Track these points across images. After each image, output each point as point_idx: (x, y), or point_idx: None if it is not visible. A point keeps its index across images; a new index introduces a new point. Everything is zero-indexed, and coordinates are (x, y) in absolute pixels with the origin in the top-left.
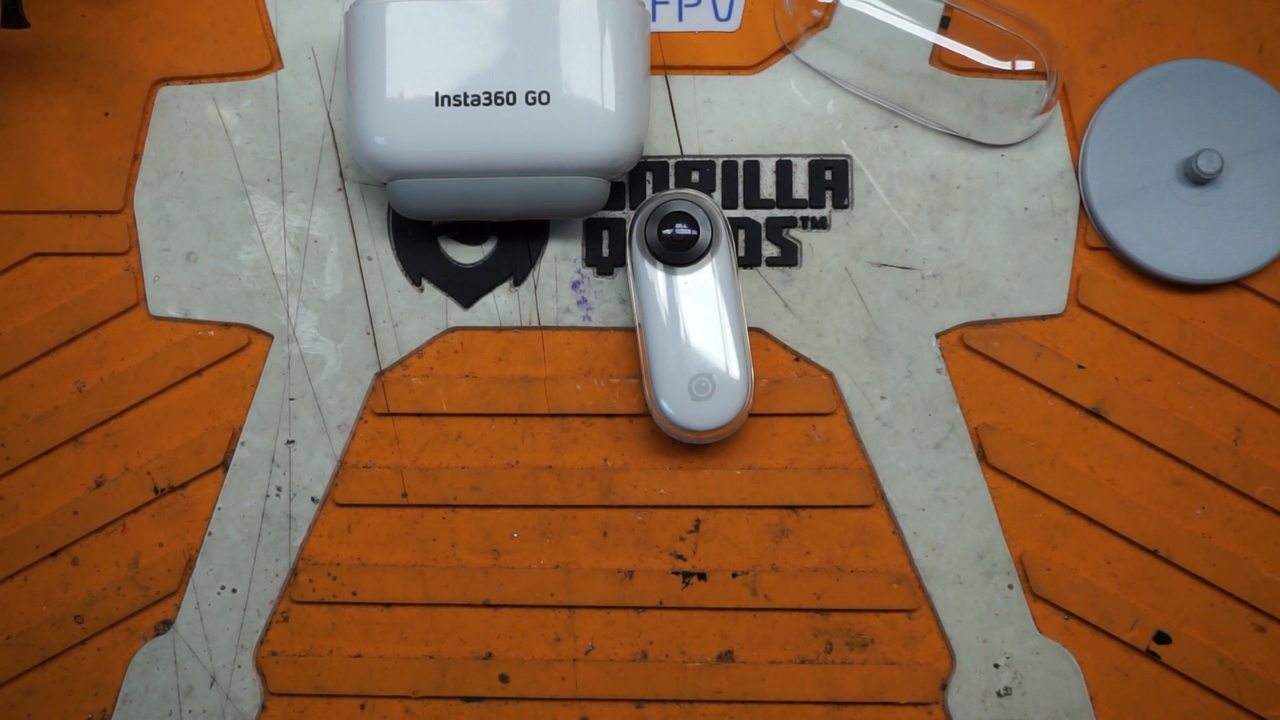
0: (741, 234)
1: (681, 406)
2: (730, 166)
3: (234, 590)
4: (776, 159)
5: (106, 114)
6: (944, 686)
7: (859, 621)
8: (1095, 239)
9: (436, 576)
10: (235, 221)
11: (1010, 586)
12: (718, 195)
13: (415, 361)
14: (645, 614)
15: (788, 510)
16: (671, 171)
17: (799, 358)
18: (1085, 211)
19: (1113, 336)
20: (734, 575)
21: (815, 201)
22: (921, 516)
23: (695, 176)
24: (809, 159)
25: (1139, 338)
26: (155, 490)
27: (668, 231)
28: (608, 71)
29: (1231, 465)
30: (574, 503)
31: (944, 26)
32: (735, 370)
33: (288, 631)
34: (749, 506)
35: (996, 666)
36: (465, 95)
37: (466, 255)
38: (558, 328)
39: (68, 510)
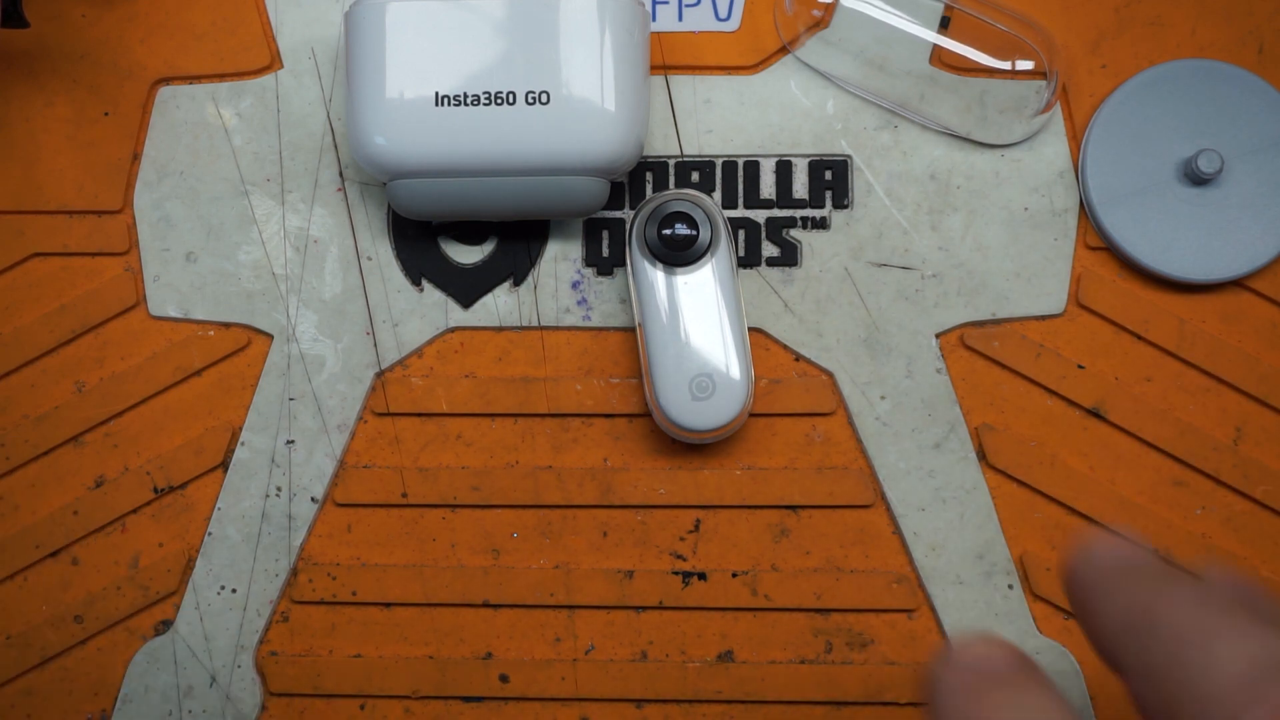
0: (741, 234)
1: (681, 406)
2: (730, 166)
3: (234, 590)
4: (776, 159)
5: (106, 114)
6: None
7: (859, 621)
8: (1095, 239)
9: (436, 576)
10: (235, 221)
11: (1010, 586)
12: (718, 195)
13: (415, 361)
14: (645, 614)
15: (788, 510)
16: (671, 171)
17: (799, 358)
18: (1085, 211)
19: (1113, 336)
20: (734, 575)
21: (815, 201)
22: (921, 516)
23: (695, 176)
24: (809, 159)
25: (1139, 338)
26: (155, 490)
27: (667, 231)
28: (608, 71)
29: (1231, 465)
30: (574, 503)
31: (944, 26)
32: (735, 370)
33: (288, 631)
34: (749, 506)
35: None
36: (465, 95)
37: (466, 255)
38: (558, 328)
39: (68, 510)
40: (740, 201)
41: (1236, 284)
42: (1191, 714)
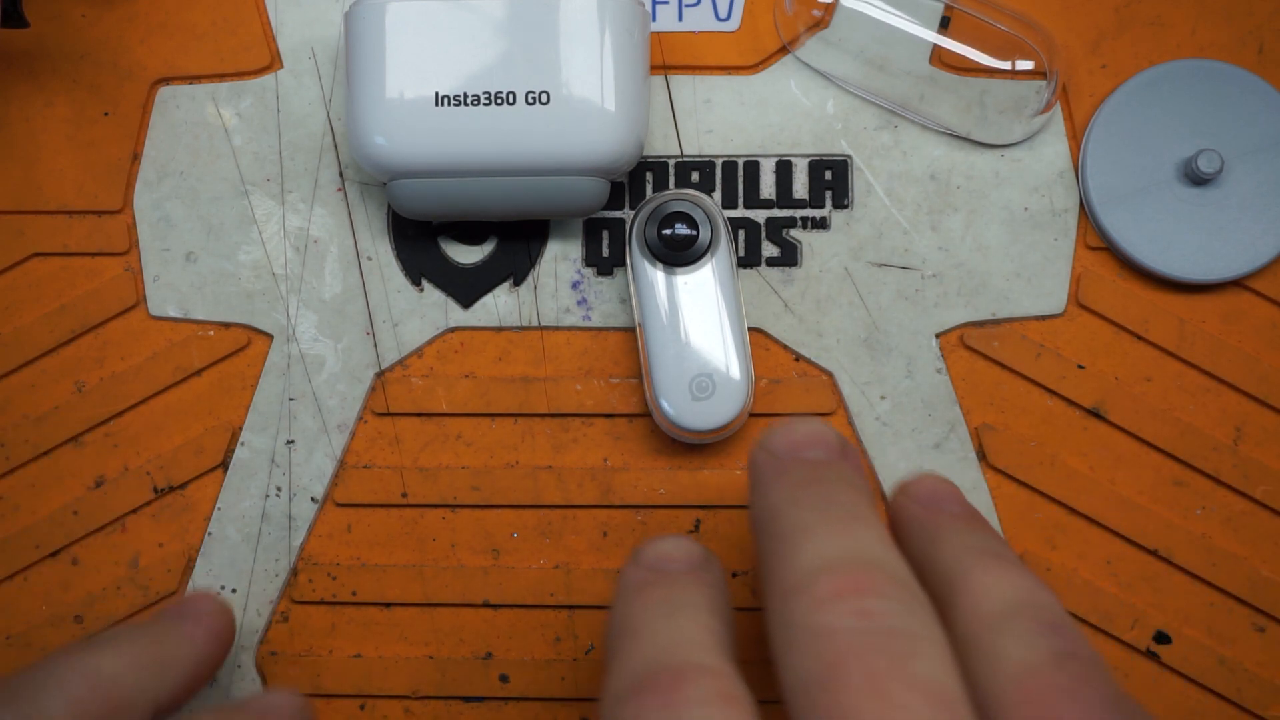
0: (741, 234)
1: (682, 407)
2: (730, 166)
3: (234, 590)
4: (776, 159)
5: (106, 114)
6: None
7: None
8: (1095, 239)
9: (436, 576)
10: (235, 221)
11: None
12: (718, 195)
13: (415, 361)
14: None
15: None
16: (671, 171)
17: (799, 358)
18: (1085, 211)
19: (1113, 336)
20: (734, 575)
21: (815, 201)
22: None
23: (695, 176)
24: (809, 159)
25: (1139, 338)
26: (155, 490)
27: (667, 232)
28: (608, 71)
29: (1231, 465)
30: (574, 503)
31: (944, 26)
32: (735, 370)
33: (288, 631)
34: (749, 507)
35: None
36: (465, 95)
37: (466, 255)
38: (558, 328)
39: (67, 510)
40: (740, 201)
41: (1236, 284)
42: (769, 596)
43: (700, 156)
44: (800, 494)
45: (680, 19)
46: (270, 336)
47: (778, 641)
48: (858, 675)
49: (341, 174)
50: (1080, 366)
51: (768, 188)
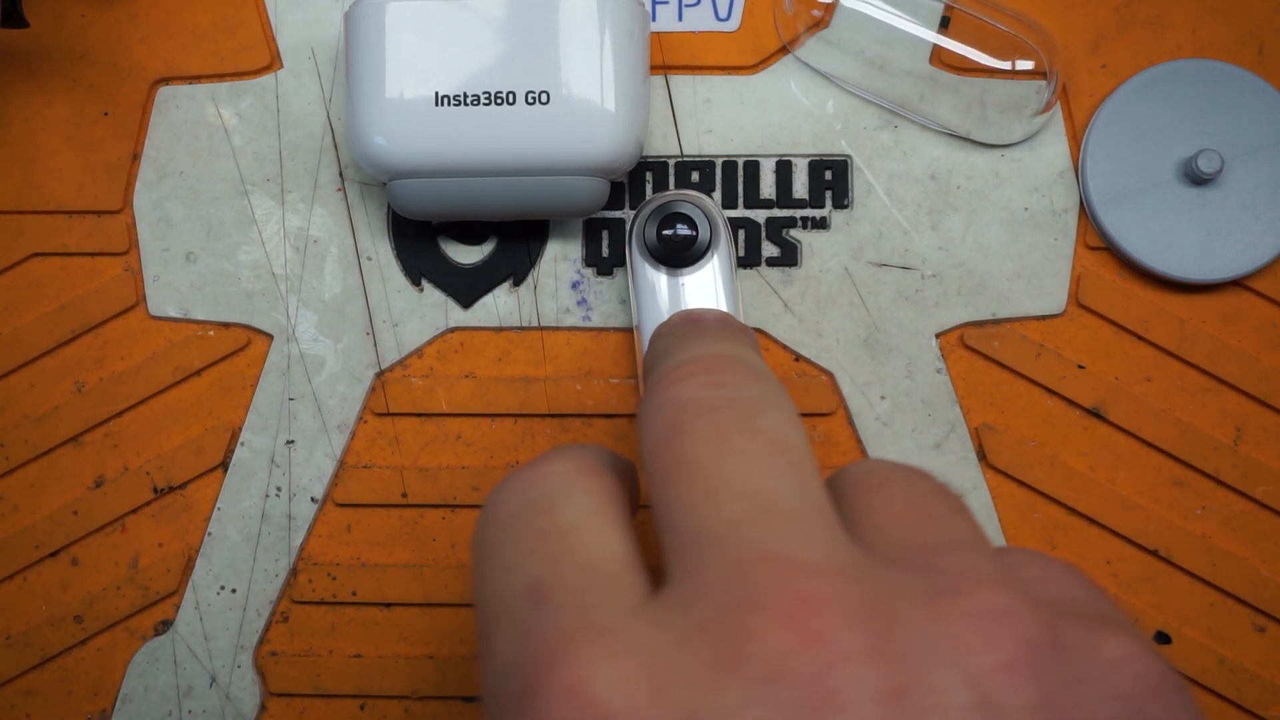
0: (741, 234)
1: None
2: (730, 166)
3: (234, 590)
4: (776, 159)
5: (106, 114)
6: None
7: None
8: (1095, 239)
9: (436, 576)
10: (235, 221)
11: None
12: (718, 195)
13: (415, 361)
14: None
15: None
16: (671, 171)
17: (799, 358)
18: (1085, 211)
19: (1113, 336)
20: None
21: (815, 201)
22: None
23: (695, 176)
24: (809, 159)
25: (1139, 338)
26: (155, 490)
27: (667, 232)
28: (608, 71)
29: (1231, 465)
30: None
31: (944, 26)
32: None
33: (287, 631)
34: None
35: None
36: (465, 95)
37: (466, 255)
38: (558, 328)
39: (67, 510)
40: (740, 201)
41: (1236, 284)
42: (648, 386)
43: (700, 156)
44: (679, 332)
45: (680, 19)
46: (270, 336)
47: (639, 422)
48: (702, 426)
49: (341, 174)
50: (1080, 366)
51: (768, 188)
